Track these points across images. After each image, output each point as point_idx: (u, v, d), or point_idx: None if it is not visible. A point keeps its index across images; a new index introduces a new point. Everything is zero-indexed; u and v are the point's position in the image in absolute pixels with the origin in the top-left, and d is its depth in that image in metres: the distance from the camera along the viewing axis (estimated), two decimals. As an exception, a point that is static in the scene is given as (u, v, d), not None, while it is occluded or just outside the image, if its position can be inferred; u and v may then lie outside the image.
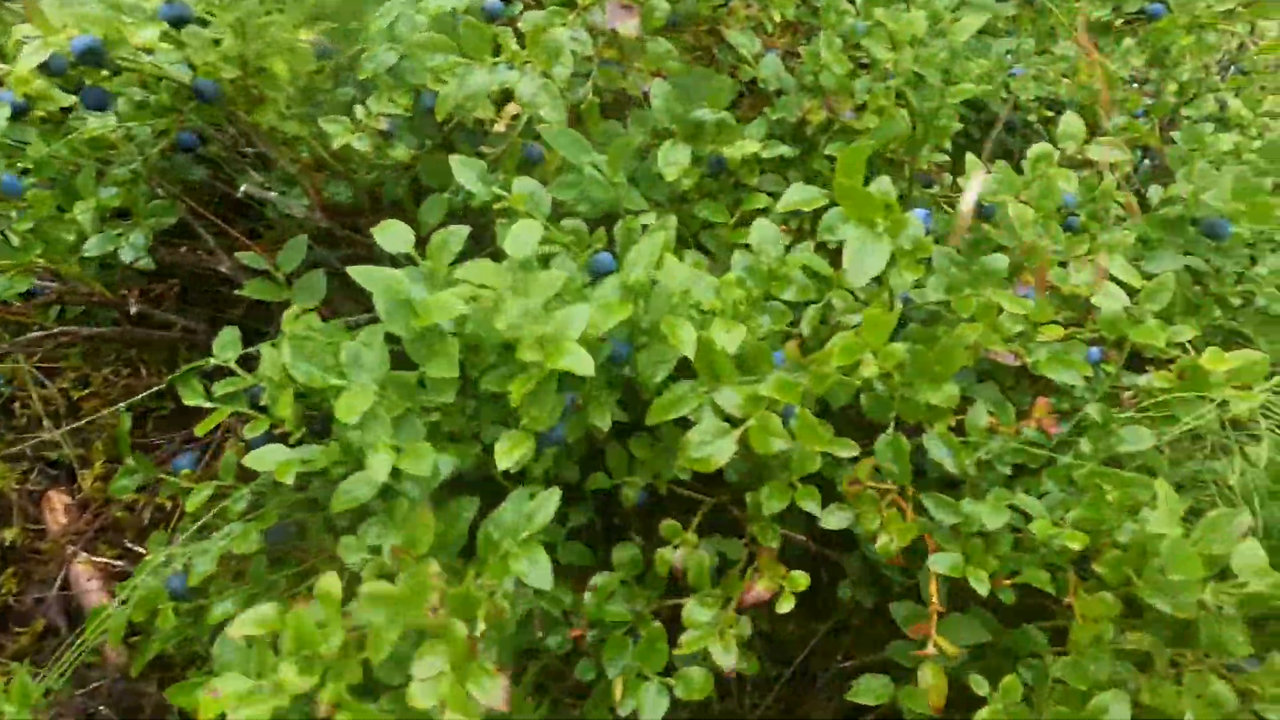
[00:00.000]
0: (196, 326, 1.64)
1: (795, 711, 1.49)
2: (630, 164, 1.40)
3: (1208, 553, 0.84)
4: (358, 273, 0.97)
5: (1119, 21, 2.10)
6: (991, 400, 1.21)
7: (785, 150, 1.30)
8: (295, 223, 1.46)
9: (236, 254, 1.32)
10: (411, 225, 1.06)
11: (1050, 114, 1.77)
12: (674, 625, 1.09)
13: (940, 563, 1.02)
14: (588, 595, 1.11)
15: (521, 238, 0.99)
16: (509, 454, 0.91)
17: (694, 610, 1.07)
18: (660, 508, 1.21)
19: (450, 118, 1.29)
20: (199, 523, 1.17)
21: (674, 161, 1.21)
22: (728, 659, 1.03)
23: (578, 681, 1.13)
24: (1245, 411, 0.95)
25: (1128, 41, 1.86)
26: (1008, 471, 1.12)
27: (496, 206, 1.08)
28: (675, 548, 1.11)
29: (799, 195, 1.03)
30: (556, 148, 1.11)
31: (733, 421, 0.95)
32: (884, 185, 1.03)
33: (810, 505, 1.03)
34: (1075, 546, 0.96)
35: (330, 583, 0.82)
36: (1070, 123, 1.28)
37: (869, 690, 1.09)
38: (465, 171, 1.08)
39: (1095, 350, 1.10)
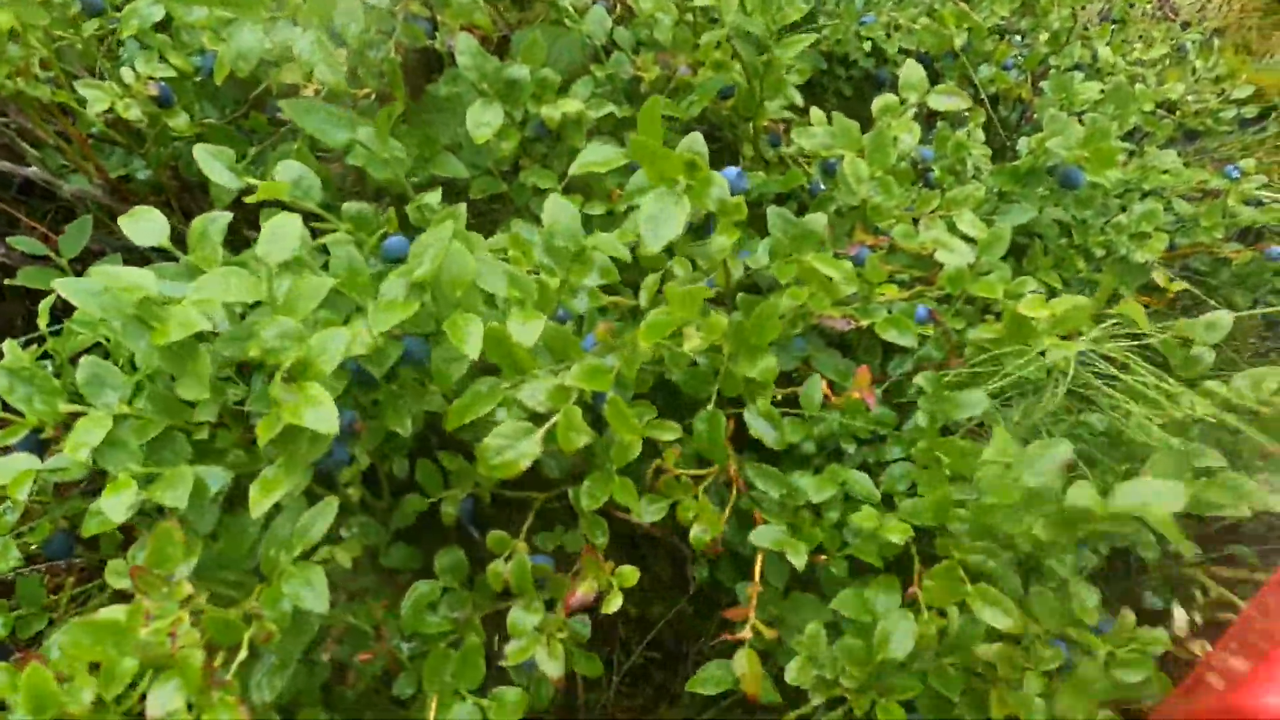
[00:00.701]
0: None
1: (671, 689, 1.44)
2: (453, 129, 1.30)
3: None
4: (97, 274, 0.81)
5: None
6: (833, 368, 1.16)
7: (614, 109, 1.21)
8: (94, 203, 1.33)
9: (9, 239, 1.18)
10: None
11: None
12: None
13: (763, 537, 0.96)
14: (405, 605, 1.02)
15: (277, 239, 0.83)
16: (260, 501, 0.77)
17: (519, 616, 0.97)
18: (496, 505, 1.13)
19: (258, 81, 1.18)
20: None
21: (485, 123, 1.11)
22: (554, 667, 0.94)
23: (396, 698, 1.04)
24: (1062, 360, 0.89)
25: (994, -11, 1.80)
26: (851, 449, 1.06)
27: (250, 200, 0.93)
28: (506, 559, 1.02)
29: (595, 155, 0.93)
30: (301, 124, 0.98)
31: (541, 418, 0.86)
32: (695, 143, 0.95)
33: (629, 500, 0.93)
34: (896, 540, 0.90)
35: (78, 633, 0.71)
36: (910, 72, 1.21)
37: (710, 679, 1.03)
38: (211, 162, 0.91)
39: (923, 309, 1.05)
